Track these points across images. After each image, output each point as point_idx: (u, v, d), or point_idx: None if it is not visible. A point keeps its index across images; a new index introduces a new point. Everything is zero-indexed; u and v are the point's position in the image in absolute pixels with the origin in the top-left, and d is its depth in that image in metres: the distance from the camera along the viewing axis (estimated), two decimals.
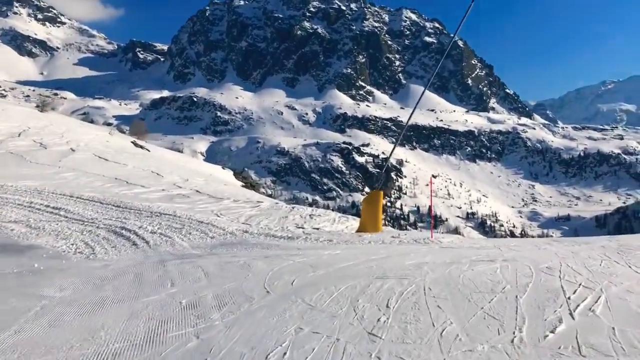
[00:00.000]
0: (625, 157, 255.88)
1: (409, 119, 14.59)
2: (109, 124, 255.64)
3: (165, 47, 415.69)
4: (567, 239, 9.75)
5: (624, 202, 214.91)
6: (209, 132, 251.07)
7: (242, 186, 24.19)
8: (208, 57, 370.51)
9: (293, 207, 15.73)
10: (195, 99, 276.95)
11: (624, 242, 7.87)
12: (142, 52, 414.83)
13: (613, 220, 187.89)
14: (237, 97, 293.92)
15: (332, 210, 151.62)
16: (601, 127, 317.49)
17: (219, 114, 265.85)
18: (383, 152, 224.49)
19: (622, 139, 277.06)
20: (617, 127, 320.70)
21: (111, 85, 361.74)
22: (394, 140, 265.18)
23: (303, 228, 12.12)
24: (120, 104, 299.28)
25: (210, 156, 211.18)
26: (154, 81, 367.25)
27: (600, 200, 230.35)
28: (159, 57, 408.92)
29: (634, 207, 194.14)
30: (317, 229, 12.55)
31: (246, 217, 13.29)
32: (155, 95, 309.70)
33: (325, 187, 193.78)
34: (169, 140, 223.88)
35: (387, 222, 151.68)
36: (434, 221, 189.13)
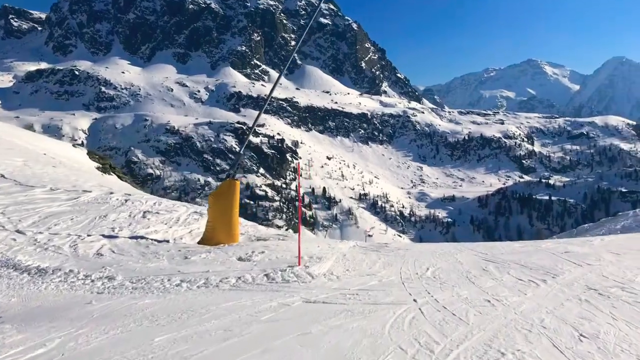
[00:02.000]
0: (506, 140, 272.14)
1: (258, 116, 12.01)
2: None
3: (44, 16, 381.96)
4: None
5: (504, 184, 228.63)
6: (92, 108, 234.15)
7: (99, 168, 20.03)
8: (92, 29, 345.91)
9: (127, 200, 12.32)
10: (77, 73, 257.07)
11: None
12: (16, 19, 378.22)
13: (494, 201, 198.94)
14: (123, 72, 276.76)
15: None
16: (484, 112, 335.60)
17: (103, 89, 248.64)
18: (278, 133, 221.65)
19: (502, 123, 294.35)
20: (498, 113, 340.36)
21: None
22: (289, 121, 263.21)
23: (114, 237, 9.30)
24: None
25: (93, 134, 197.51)
26: (30, 52, 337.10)
27: (483, 181, 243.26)
28: (36, 25, 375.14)
29: (512, 188, 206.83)
30: (143, 237, 9.57)
31: (41, 216, 9.98)
32: (32, 67, 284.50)
33: (218, 168, 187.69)
34: (47, 116, 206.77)
35: (281, 206, 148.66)
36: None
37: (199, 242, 9.82)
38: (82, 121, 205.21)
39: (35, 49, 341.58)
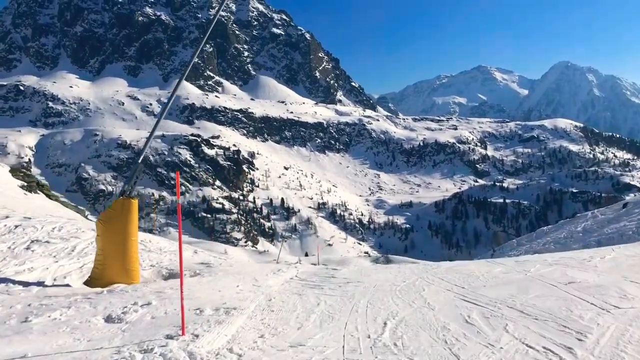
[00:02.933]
0: (459, 145, 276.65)
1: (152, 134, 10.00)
2: None
3: None
4: None
5: (459, 188, 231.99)
6: (40, 124, 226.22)
7: (23, 187, 18.16)
8: (37, 43, 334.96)
9: (17, 226, 10.65)
10: (22, 88, 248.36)
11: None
12: None
13: (450, 205, 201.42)
14: (71, 86, 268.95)
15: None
16: (438, 118, 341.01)
17: (50, 104, 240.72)
18: (234, 145, 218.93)
19: (456, 129, 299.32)
20: (451, 118, 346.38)
21: None
22: (245, 132, 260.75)
23: None
24: None
25: (41, 151, 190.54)
26: None
27: (439, 186, 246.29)
28: None
29: (468, 192, 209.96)
30: (4, 281, 7.23)
31: None
32: None
33: (172, 182, 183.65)
34: None
35: (239, 218, 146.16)
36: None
37: (85, 283, 7.69)
38: (28, 138, 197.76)
39: None
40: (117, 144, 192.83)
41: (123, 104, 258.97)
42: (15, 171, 22.15)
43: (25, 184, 18.95)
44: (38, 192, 19.09)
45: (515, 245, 31.12)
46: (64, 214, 16.66)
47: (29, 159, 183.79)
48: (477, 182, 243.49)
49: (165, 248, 12.25)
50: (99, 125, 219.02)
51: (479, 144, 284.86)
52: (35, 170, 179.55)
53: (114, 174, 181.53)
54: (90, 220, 19.05)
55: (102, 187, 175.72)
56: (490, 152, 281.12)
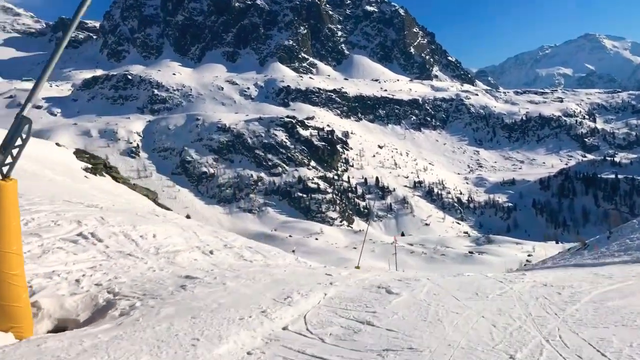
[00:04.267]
0: (566, 119, 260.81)
1: None
2: (39, 107, 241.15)
3: (97, 24, 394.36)
4: None
5: (566, 164, 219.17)
6: (146, 111, 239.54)
7: (88, 169, 18.33)
8: (143, 33, 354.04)
9: None
10: (130, 77, 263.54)
11: None
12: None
13: (556, 182, 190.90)
14: (174, 74, 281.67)
15: (276, 186, 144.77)
16: (541, 90, 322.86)
17: (155, 91, 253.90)
18: (328, 125, 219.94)
19: (561, 101, 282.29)
20: (556, 90, 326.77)
21: (40, 66, 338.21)
22: (339, 112, 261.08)
23: None
24: (50, 86, 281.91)
25: (148, 136, 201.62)
26: (86, 60, 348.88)
27: (543, 162, 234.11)
28: (91, 34, 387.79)
29: (575, 168, 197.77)
30: None
31: None
32: (88, 75, 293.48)
33: (270, 163, 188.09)
34: (103, 121, 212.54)
35: (334, 198, 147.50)
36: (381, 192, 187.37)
37: None
38: (136, 124, 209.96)
39: (91, 57, 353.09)
40: (217, 128, 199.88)
41: (222, 89, 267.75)
42: (80, 153, 22.54)
43: (90, 166, 19.16)
44: (104, 174, 19.28)
45: (637, 226, 27.83)
46: (124, 195, 16.35)
47: (137, 144, 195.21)
48: (585, 157, 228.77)
49: (165, 244, 8.65)
50: (200, 110, 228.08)
51: (587, 117, 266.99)
52: (142, 155, 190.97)
53: (215, 157, 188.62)
54: (160, 205, 18.92)
55: (205, 169, 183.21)
56: (599, 124, 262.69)
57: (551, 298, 5.81)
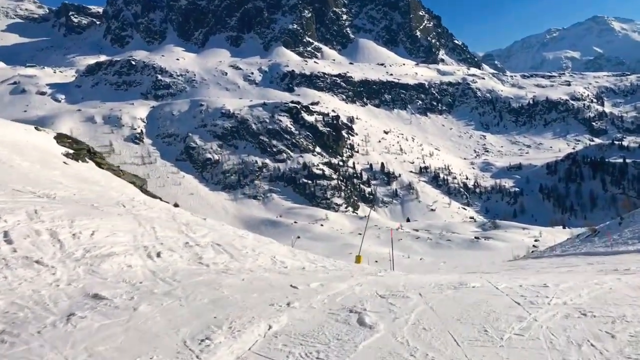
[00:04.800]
0: (573, 102, 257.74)
1: None
2: (43, 93, 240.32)
3: (101, 10, 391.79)
4: None
5: (573, 148, 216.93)
6: (150, 96, 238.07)
7: (68, 155, 17.14)
8: (146, 19, 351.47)
9: None
10: (133, 63, 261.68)
11: None
12: (76, 15, 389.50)
13: (563, 167, 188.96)
14: (178, 59, 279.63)
15: (281, 172, 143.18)
16: (549, 74, 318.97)
17: (159, 77, 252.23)
18: (333, 110, 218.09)
19: (569, 85, 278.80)
20: (564, 74, 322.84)
21: (44, 52, 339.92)
22: (344, 97, 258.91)
23: None
24: (54, 72, 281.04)
25: (152, 122, 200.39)
26: (90, 46, 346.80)
27: (551, 147, 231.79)
28: (95, 20, 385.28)
29: (583, 153, 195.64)
30: None
31: None
32: (92, 60, 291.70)
33: (274, 149, 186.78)
34: (107, 107, 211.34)
35: (339, 184, 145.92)
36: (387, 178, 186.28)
37: None
38: (140, 110, 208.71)
39: (94, 42, 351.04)
40: (221, 114, 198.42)
41: (226, 74, 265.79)
42: (62, 137, 21.18)
43: (72, 151, 17.93)
44: (87, 160, 18.12)
45: None
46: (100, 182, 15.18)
47: (141, 130, 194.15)
48: (593, 141, 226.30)
49: (101, 245, 7.31)
50: (204, 96, 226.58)
51: (595, 100, 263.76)
52: (147, 141, 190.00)
53: (219, 143, 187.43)
54: (148, 192, 17.80)
55: (209, 155, 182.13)
56: (607, 108, 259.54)
57: (603, 343, 4.05)
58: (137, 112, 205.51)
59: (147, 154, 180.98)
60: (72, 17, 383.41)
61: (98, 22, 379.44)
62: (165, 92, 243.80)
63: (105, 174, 17.13)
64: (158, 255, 7.56)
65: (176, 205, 18.41)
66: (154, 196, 17.95)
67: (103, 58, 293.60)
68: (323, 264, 10.63)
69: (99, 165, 18.46)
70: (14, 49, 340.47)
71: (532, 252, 49.28)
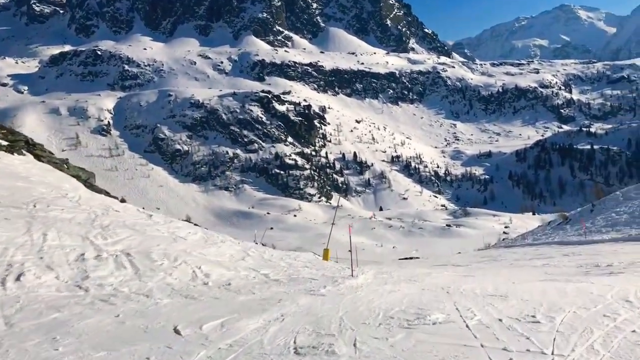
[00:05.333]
0: (542, 90, 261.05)
1: None
2: (4, 84, 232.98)
3: None
4: None
5: (542, 135, 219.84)
6: (117, 87, 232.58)
7: (2, 147, 15.67)
8: (112, 7, 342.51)
9: None
10: (99, 53, 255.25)
11: None
12: (38, 4, 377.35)
13: (533, 154, 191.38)
14: (145, 49, 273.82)
15: (253, 163, 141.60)
16: (518, 62, 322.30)
17: (126, 67, 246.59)
18: (305, 100, 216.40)
19: (537, 72, 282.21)
20: (532, 62, 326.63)
21: (5, 42, 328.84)
22: (315, 86, 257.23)
23: None
24: (16, 62, 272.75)
25: (119, 113, 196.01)
26: (54, 36, 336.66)
27: (520, 134, 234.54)
28: (58, 9, 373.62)
29: (551, 140, 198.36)
30: None
31: None
32: (56, 51, 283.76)
33: (246, 140, 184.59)
34: (72, 99, 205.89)
35: (312, 174, 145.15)
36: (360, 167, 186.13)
37: None
38: (107, 101, 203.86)
39: (58, 32, 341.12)
40: (190, 104, 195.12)
41: (195, 63, 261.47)
42: None
43: (6, 143, 16.46)
44: (24, 152, 16.67)
45: (621, 198, 26.26)
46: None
47: (108, 122, 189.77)
48: (561, 128, 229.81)
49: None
50: (172, 86, 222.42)
51: (563, 88, 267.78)
52: (114, 132, 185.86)
53: (188, 134, 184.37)
54: (94, 187, 16.39)
55: (178, 146, 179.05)
56: (575, 95, 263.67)
57: None
58: (104, 103, 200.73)
59: (115, 146, 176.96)
60: (34, 5, 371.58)
61: (62, 11, 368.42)
62: (133, 83, 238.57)
63: (44, 167, 15.72)
64: (19, 277, 5.74)
65: (123, 200, 17.10)
66: (100, 191, 16.61)
67: (67, 48, 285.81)
68: (267, 271, 9.46)
69: (38, 157, 17.01)
70: None
71: (504, 239, 49.08)
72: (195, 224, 18.89)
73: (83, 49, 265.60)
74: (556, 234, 25.97)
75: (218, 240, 11.88)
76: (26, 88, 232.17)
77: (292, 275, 9.46)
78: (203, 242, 10.76)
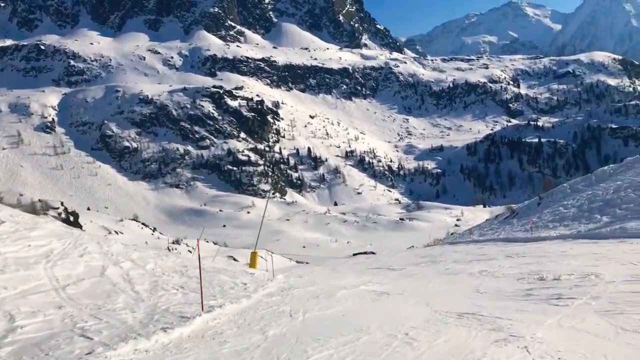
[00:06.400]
0: (491, 85, 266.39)
1: None
2: None
3: None
4: None
5: (492, 129, 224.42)
6: (63, 83, 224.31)
7: None
8: (57, 1, 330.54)
9: None
10: (42, 47, 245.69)
11: None
12: None
13: (483, 147, 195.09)
14: (92, 44, 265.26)
15: (205, 159, 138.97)
16: (467, 57, 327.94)
17: (72, 62, 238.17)
18: (258, 95, 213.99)
19: (487, 68, 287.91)
20: (482, 57, 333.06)
21: None
22: (269, 81, 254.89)
23: None
24: None
25: (64, 109, 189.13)
26: None
27: (470, 129, 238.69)
28: None
29: (501, 133, 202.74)
30: None
31: None
32: None
33: (197, 136, 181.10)
34: (14, 95, 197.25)
35: (265, 170, 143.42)
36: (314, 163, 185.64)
37: None
38: (51, 97, 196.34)
39: None
40: (139, 99, 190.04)
41: (144, 58, 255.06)
42: None
43: None
44: None
45: (568, 191, 26.04)
46: None
47: (53, 119, 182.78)
48: (510, 122, 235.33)
49: None
50: (120, 82, 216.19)
51: (511, 83, 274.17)
52: (59, 130, 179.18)
53: (137, 130, 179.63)
54: None
55: (127, 143, 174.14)
56: (523, 90, 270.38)
57: None
58: (48, 100, 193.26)
59: (60, 144, 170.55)
60: None
61: (2, 4, 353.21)
62: (79, 79, 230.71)
63: None
64: None
65: None
66: None
67: (9, 42, 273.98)
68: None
69: None
70: None
71: (452, 233, 49.11)
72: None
73: (25, 43, 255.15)
74: (502, 229, 25.57)
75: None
76: None
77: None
78: None
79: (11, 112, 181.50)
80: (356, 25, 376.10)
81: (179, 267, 12.18)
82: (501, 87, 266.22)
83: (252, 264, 17.36)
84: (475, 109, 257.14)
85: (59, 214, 62.08)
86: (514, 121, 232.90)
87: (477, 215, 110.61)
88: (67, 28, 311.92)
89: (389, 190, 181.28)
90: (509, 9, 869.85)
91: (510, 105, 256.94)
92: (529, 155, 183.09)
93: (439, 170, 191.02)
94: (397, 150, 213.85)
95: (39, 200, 69.95)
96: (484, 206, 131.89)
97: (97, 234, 30.49)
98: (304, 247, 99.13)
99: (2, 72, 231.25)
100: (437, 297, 8.93)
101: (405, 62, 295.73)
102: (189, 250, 50.29)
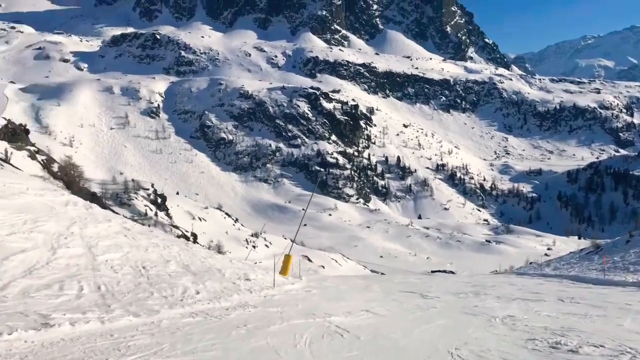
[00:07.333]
0: (601, 111, 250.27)
1: None
2: (66, 60, 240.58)
3: None
4: None
5: (597, 158, 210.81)
6: (172, 72, 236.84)
7: None
8: None
9: None
10: (158, 37, 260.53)
11: None
12: None
13: (585, 176, 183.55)
14: (203, 37, 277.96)
15: (294, 158, 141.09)
16: (578, 80, 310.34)
17: (182, 53, 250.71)
18: (353, 99, 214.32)
19: (599, 92, 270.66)
20: (594, 81, 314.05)
21: (74, 20, 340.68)
22: (366, 87, 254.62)
23: None
24: (80, 40, 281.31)
25: (169, 97, 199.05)
26: (119, 18, 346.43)
27: (574, 154, 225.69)
28: None
29: (606, 163, 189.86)
30: None
31: None
32: (119, 32, 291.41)
33: (290, 134, 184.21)
34: (127, 79, 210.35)
35: (352, 175, 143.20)
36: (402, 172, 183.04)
37: None
38: (159, 84, 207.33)
39: (123, 14, 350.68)
40: (240, 94, 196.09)
41: (250, 55, 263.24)
42: None
43: None
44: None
45: None
46: None
47: (158, 105, 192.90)
48: (618, 152, 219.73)
49: None
50: (225, 75, 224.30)
51: (624, 110, 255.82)
52: (163, 116, 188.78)
53: (235, 123, 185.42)
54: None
55: (224, 135, 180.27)
56: (637, 119, 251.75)
57: None
58: (156, 87, 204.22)
59: (162, 129, 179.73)
60: None
61: None
62: (187, 69, 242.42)
63: None
64: None
65: None
66: None
67: (130, 30, 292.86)
68: None
69: None
70: (45, 15, 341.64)
71: (531, 263, 45.87)
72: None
73: (143, 32, 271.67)
74: (580, 265, 23.05)
75: None
76: (86, 66, 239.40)
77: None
78: None
79: (122, 95, 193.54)
80: (463, 37, 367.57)
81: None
82: (612, 114, 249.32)
83: (284, 270, 14.85)
84: (581, 135, 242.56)
85: (148, 194, 64.80)
86: (623, 151, 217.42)
87: (569, 246, 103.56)
88: (183, 20, 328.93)
89: (479, 210, 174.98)
90: (631, 33, 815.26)
91: (621, 134, 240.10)
92: (636, 190, 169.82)
93: (534, 195, 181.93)
94: (492, 169, 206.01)
95: (132, 180, 73.59)
96: (579, 238, 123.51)
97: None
98: (381, 256, 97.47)
99: (120, 57, 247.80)
100: (392, 349, 6.58)
101: (511, 79, 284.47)
102: (253, 246, 50.59)
